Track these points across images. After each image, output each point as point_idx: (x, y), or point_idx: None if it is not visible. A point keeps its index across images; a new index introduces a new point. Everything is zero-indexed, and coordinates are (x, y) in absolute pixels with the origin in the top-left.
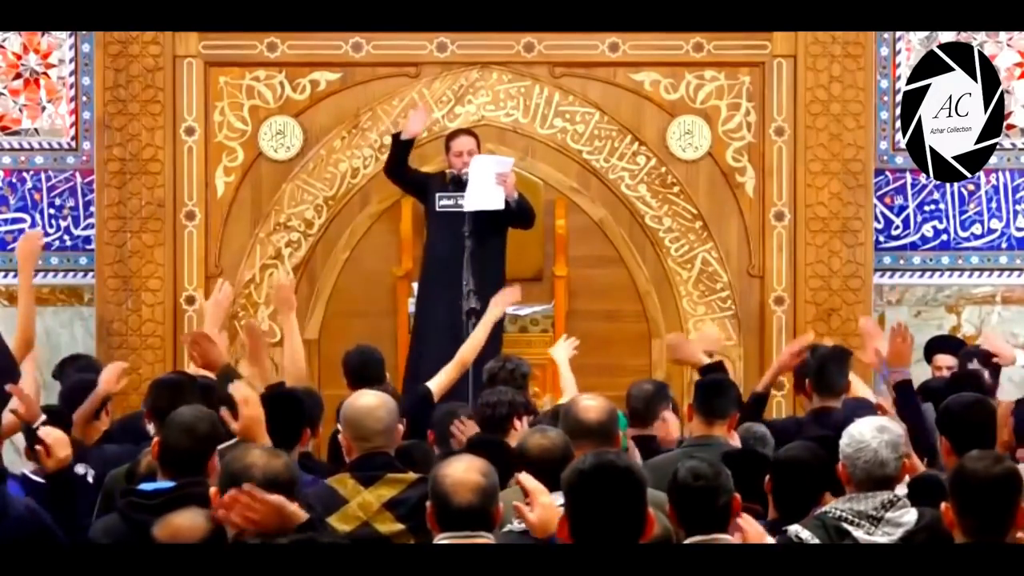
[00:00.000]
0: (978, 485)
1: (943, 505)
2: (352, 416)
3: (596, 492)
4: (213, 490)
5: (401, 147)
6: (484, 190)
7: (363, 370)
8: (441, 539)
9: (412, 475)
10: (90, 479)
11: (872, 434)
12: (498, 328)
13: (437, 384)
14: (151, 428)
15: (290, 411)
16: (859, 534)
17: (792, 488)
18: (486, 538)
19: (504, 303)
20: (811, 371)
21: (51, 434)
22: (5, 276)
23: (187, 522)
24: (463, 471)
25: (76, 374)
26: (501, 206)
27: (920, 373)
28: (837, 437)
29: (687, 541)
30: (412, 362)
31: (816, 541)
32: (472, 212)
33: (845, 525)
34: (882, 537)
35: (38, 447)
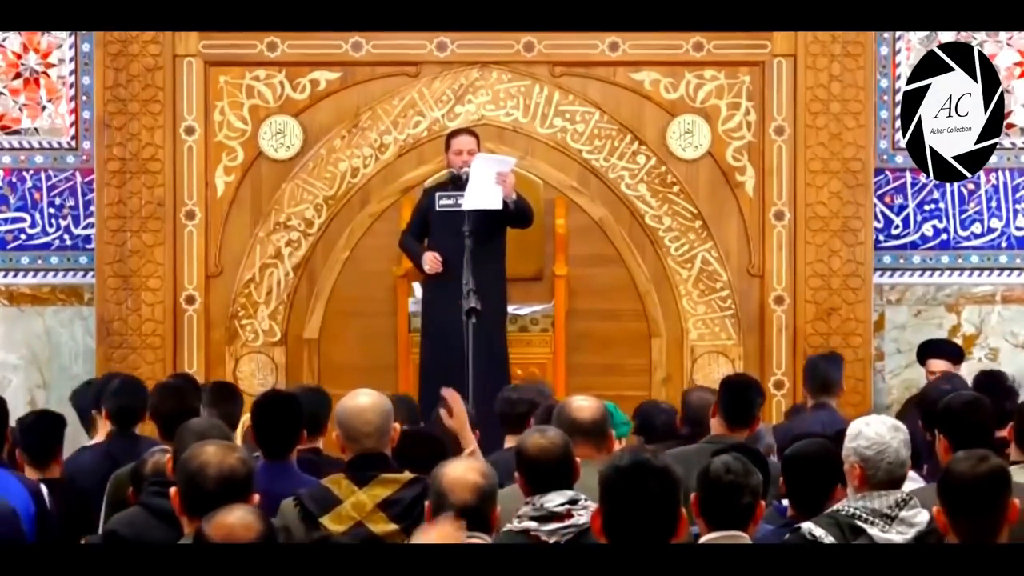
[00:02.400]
0: (965, 486)
1: (935, 509)
2: (343, 417)
3: (632, 489)
4: (173, 490)
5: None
6: (483, 189)
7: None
8: None
9: (407, 475)
10: None
11: (891, 434)
12: (500, 328)
13: None
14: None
15: (284, 414)
16: (873, 532)
17: (805, 484)
18: (482, 539)
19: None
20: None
21: None
22: (5, 276)
23: (240, 521)
24: (462, 470)
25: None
26: (499, 206)
27: (917, 376)
28: (839, 436)
29: (703, 539)
30: (423, 361)
31: (830, 538)
32: (471, 211)
33: (859, 523)
34: (896, 536)
35: None
